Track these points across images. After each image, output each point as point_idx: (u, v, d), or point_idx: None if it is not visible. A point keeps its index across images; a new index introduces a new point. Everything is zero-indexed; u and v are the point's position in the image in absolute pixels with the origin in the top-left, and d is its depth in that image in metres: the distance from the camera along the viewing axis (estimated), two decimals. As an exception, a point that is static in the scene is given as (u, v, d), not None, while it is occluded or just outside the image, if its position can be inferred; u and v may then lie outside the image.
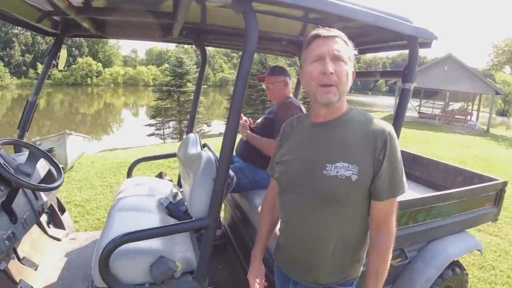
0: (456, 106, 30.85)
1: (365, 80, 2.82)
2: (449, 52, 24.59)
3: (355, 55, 1.49)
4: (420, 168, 3.94)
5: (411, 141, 13.66)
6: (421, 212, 2.42)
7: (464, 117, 25.93)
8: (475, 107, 28.39)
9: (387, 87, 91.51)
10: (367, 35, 2.48)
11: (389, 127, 1.41)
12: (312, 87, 1.42)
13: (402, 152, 1.98)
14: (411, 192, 2.82)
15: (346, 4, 1.63)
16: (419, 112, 29.08)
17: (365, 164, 1.36)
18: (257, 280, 1.73)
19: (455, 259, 2.72)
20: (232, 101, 1.65)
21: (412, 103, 28.98)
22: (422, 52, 2.25)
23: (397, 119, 2.01)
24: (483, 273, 3.98)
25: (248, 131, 3.06)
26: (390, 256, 1.45)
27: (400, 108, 2.05)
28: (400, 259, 2.43)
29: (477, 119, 25.83)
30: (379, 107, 50.41)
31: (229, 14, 2.39)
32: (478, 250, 2.92)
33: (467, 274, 2.95)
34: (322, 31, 1.42)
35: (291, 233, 1.56)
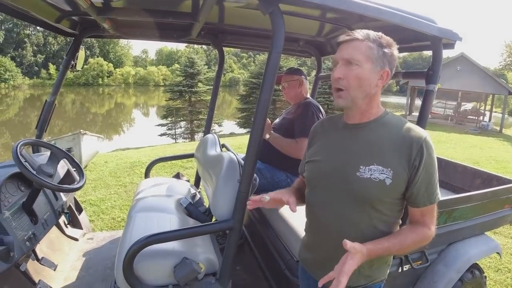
0: (468, 106, 30.42)
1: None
2: (462, 51, 24.29)
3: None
4: (438, 170, 3.87)
5: (424, 142, 13.47)
6: (443, 215, 2.39)
7: (476, 118, 25.60)
8: (488, 107, 28.05)
9: (398, 87, 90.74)
10: (389, 35, 2.44)
11: (425, 133, 1.39)
12: (333, 91, 1.45)
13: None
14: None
15: (373, 5, 1.60)
16: (431, 113, 28.74)
17: (400, 169, 1.35)
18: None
19: (475, 262, 2.68)
20: (259, 103, 1.64)
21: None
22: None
23: (421, 121, 1.98)
24: (499, 276, 3.93)
25: (272, 132, 3.00)
26: (411, 249, 1.41)
27: (424, 109, 2.02)
28: (421, 262, 2.40)
29: (489, 119, 25.49)
30: (390, 107, 49.93)
31: (248, 14, 2.38)
32: (497, 253, 2.88)
33: (485, 276, 2.92)
34: (343, 36, 1.41)
35: (319, 232, 1.55)
